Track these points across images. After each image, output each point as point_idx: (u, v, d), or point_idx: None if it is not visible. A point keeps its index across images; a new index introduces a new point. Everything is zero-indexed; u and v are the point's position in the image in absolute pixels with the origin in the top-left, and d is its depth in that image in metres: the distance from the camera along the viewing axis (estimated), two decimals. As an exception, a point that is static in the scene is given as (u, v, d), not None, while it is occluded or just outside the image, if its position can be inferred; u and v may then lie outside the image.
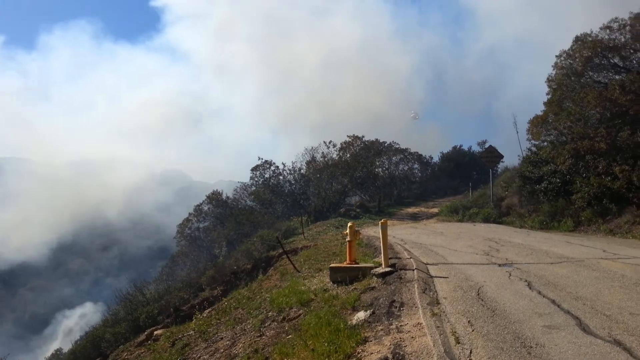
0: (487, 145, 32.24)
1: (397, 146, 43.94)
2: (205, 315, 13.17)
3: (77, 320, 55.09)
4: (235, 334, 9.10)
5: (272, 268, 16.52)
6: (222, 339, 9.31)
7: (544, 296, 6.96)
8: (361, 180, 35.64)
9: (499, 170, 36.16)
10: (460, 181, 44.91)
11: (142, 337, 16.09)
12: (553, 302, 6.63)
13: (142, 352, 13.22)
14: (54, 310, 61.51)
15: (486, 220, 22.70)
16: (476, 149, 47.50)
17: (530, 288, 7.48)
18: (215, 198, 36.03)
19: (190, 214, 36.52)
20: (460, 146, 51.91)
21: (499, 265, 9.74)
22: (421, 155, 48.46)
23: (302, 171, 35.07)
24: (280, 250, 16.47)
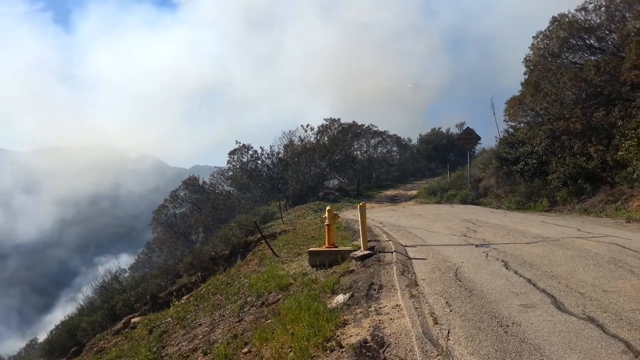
0: (464, 127, 32.45)
1: (376, 129, 43.96)
2: (183, 302, 13.03)
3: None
4: (214, 319, 9.00)
5: (251, 253, 16.40)
6: (200, 325, 9.21)
7: (520, 276, 7.01)
8: (339, 164, 35.60)
9: (477, 152, 36.50)
10: (439, 163, 45.27)
11: (119, 325, 15.87)
12: (529, 281, 6.69)
13: (119, 340, 13.04)
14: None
15: (464, 201, 22.89)
16: (455, 131, 47.86)
17: (506, 268, 7.53)
18: (191, 184, 35.59)
19: (165, 199, 36.03)
20: (439, 128, 52.25)
21: (476, 246, 9.80)
22: (400, 137, 48.63)
23: (280, 155, 34.83)
24: (259, 235, 16.35)
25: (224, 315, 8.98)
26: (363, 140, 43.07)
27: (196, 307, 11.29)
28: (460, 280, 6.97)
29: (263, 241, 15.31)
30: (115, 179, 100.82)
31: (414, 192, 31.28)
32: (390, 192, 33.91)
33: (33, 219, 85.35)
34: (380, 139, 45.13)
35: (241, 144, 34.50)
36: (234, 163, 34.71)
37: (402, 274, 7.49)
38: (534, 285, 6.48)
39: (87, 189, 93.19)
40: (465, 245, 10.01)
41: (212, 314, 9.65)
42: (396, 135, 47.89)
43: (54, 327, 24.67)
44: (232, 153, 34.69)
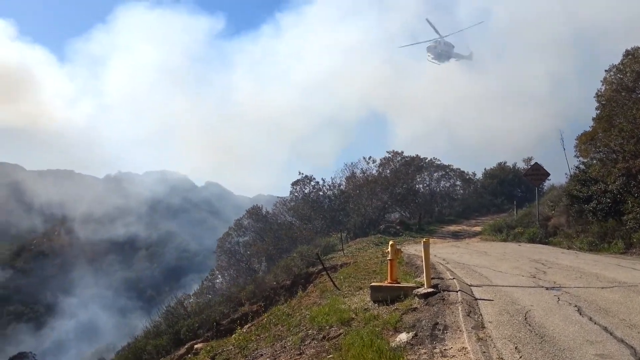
0: (532, 163, 31.39)
1: (439, 162, 43.42)
2: (245, 330, 13.24)
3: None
4: (275, 350, 9.09)
5: (312, 285, 16.48)
6: (262, 355, 9.32)
7: (595, 323, 6.68)
8: (401, 197, 35.32)
9: (545, 188, 35.12)
10: (504, 199, 43.78)
11: (183, 350, 16.30)
12: (605, 329, 6.36)
13: (183, 366, 13.39)
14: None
15: (532, 240, 22.02)
16: (521, 165, 46.33)
17: (580, 313, 7.20)
18: (255, 213, 36.40)
19: (230, 227, 37.01)
20: (505, 163, 50.77)
21: (547, 288, 9.42)
22: (463, 172, 47.62)
23: (341, 187, 35.09)
24: (320, 267, 16.43)
25: (285, 347, 9.05)
26: (425, 173, 42.57)
27: (258, 337, 11.45)
28: (530, 325, 6.72)
29: (324, 273, 15.37)
30: (182, 205, 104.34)
31: (478, 229, 30.43)
32: (453, 228, 33.16)
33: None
34: (443, 172, 44.45)
35: (303, 175, 35.10)
36: (296, 194, 35.27)
37: (468, 315, 7.32)
38: (611, 333, 6.15)
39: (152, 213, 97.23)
40: (534, 287, 9.64)
41: (273, 344, 9.75)
42: (459, 169, 47.01)
43: (120, 347, 25.60)
44: (294, 184, 35.30)
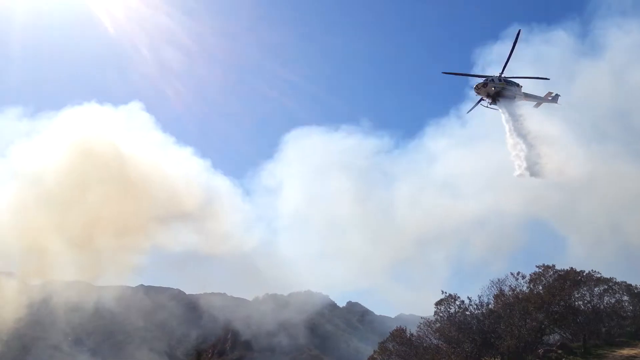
0: None
1: (598, 275, 39.34)
2: None
3: None
4: None
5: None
6: None
7: None
8: (559, 316, 32.42)
9: None
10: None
11: None
12: None
13: None
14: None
15: None
16: None
17: None
18: (398, 335, 35.45)
19: (375, 351, 36.28)
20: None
21: None
22: (630, 285, 42.43)
23: (490, 306, 33.19)
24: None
25: None
26: (584, 288, 38.69)
27: None
28: None
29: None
30: (325, 326, 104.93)
31: (658, 352, 26.39)
32: (626, 352, 29.17)
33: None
34: (605, 286, 40.01)
35: (447, 294, 33.99)
36: (441, 314, 33.99)
37: None
38: None
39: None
40: None
41: None
42: (625, 282, 42.00)
43: None
44: (438, 303, 34.22)
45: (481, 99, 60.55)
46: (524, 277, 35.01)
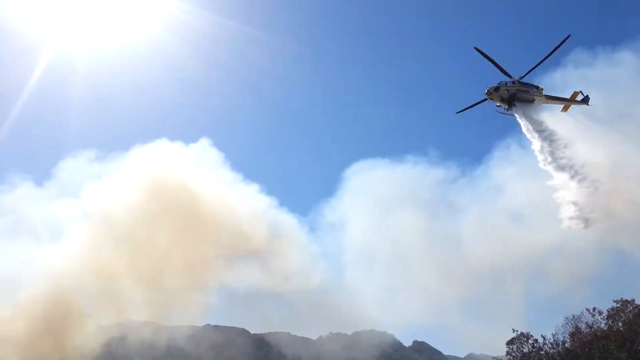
0: None
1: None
2: None
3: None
4: None
5: None
6: None
7: None
8: (643, 355, 30.45)
9: None
10: None
11: None
12: None
13: None
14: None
15: None
16: None
17: None
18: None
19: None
20: None
21: None
22: None
23: (566, 344, 31.86)
24: None
25: None
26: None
27: None
28: None
29: None
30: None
31: None
32: None
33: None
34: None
35: (519, 332, 33.00)
36: (513, 354, 32.97)
37: None
38: None
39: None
40: None
41: None
42: None
43: None
44: (510, 342, 33.25)
45: (484, 100, 55.30)
46: (600, 312, 33.43)
